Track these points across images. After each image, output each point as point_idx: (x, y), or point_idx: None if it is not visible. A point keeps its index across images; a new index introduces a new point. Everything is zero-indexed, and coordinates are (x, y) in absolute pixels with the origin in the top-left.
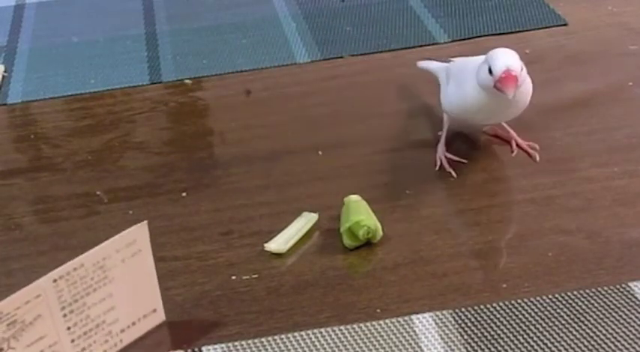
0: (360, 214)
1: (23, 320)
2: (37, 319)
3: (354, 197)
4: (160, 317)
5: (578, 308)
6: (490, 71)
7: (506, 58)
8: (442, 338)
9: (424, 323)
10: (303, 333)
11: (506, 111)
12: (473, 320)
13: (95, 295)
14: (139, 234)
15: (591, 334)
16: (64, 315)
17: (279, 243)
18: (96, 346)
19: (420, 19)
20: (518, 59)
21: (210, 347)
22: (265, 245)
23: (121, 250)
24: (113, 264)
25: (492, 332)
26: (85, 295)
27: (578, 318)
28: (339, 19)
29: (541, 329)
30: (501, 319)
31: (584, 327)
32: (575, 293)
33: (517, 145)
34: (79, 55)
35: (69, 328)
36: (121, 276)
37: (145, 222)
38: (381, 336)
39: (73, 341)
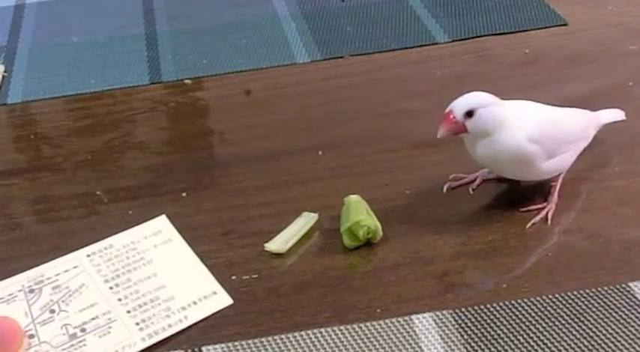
0: (360, 214)
1: (68, 287)
2: (82, 287)
3: (354, 197)
4: (225, 299)
5: (578, 308)
6: None
7: (460, 100)
8: (442, 338)
9: (424, 323)
10: (303, 333)
11: (494, 162)
12: (473, 320)
13: (137, 273)
14: (161, 225)
15: (591, 334)
16: (110, 288)
17: (279, 243)
18: (157, 319)
19: (420, 19)
20: (474, 104)
21: (210, 347)
22: (265, 245)
23: (148, 237)
24: (145, 247)
25: (492, 332)
26: (127, 272)
27: (578, 318)
28: (339, 19)
29: (541, 329)
30: (501, 319)
31: (584, 327)
32: (575, 293)
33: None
34: (79, 55)
35: (120, 300)
36: (160, 259)
37: (164, 215)
38: (381, 336)
39: (128, 312)
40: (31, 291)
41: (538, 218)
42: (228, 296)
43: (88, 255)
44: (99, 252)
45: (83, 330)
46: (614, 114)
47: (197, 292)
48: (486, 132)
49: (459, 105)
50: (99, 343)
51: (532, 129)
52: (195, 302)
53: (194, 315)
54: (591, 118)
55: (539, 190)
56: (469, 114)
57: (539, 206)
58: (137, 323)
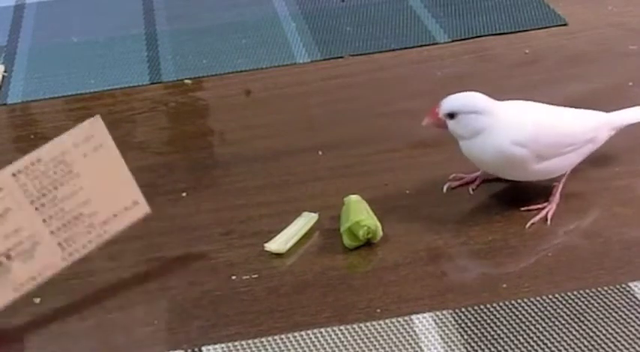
0: (360, 214)
1: None
2: (7, 212)
3: (354, 197)
4: (144, 209)
5: (578, 308)
6: None
7: (449, 99)
8: (442, 338)
9: (424, 323)
10: (303, 333)
11: (480, 163)
12: (473, 320)
13: (64, 189)
14: (95, 129)
15: (591, 334)
16: (36, 209)
17: (279, 243)
18: (78, 237)
19: (420, 19)
20: (458, 108)
21: (210, 347)
22: (265, 245)
23: (79, 144)
24: (74, 158)
25: (492, 332)
26: (53, 189)
27: (578, 318)
28: (339, 19)
29: (541, 329)
30: (501, 319)
31: (584, 327)
32: (575, 293)
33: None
34: (79, 55)
35: (44, 220)
36: (88, 170)
37: (98, 115)
38: (381, 336)
39: (52, 232)
40: None
41: (537, 218)
42: (147, 205)
43: (14, 174)
44: (25, 169)
45: (8, 257)
46: (636, 114)
47: (118, 204)
48: (464, 137)
49: (445, 104)
50: (23, 268)
51: (519, 132)
52: (115, 215)
53: (113, 228)
54: (602, 120)
55: (541, 190)
56: (451, 115)
57: (540, 206)
58: (59, 244)
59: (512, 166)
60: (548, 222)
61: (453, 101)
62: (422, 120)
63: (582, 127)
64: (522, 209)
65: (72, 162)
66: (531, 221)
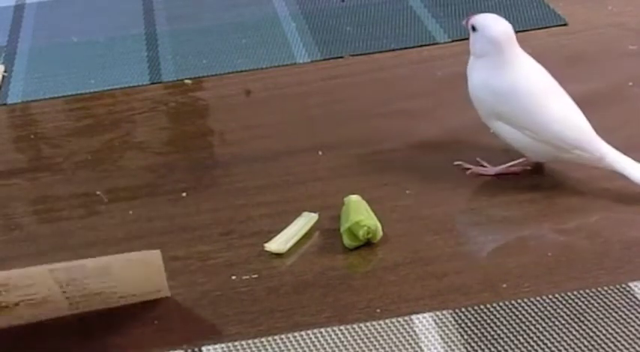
0: (360, 214)
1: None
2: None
3: (354, 197)
4: (165, 294)
5: (578, 308)
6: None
7: (482, 15)
8: (442, 338)
9: (424, 323)
10: (303, 333)
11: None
12: (473, 320)
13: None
14: (153, 257)
15: (591, 334)
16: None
17: (279, 243)
18: (91, 302)
19: (420, 19)
20: (479, 24)
21: (210, 347)
22: (265, 245)
23: (131, 259)
24: (114, 263)
25: (492, 332)
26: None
27: (578, 318)
28: (339, 19)
29: (541, 329)
30: (501, 319)
31: (584, 327)
32: (575, 293)
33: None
34: (79, 55)
35: (64, 293)
36: (124, 270)
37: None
38: (381, 336)
39: (67, 298)
40: None
41: (470, 171)
42: (168, 291)
43: (52, 270)
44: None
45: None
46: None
47: (143, 289)
48: (473, 53)
49: (475, 17)
50: (28, 312)
51: (500, 78)
52: (134, 295)
53: (128, 302)
54: (588, 148)
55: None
56: (473, 28)
57: (485, 166)
58: (70, 304)
59: (478, 107)
60: (467, 172)
61: (483, 18)
62: (422, 120)
63: (561, 128)
64: (477, 159)
65: (110, 265)
66: (469, 171)
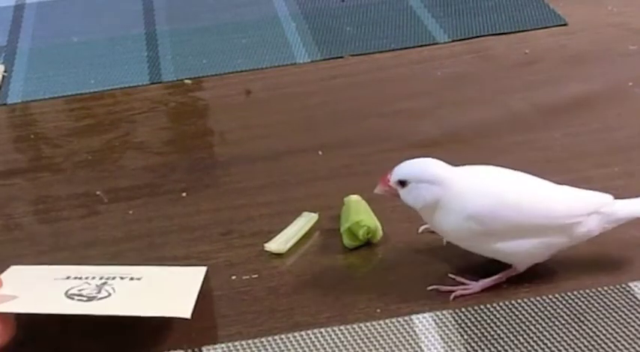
0: (360, 214)
1: None
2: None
3: (354, 197)
4: (185, 314)
5: (578, 308)
6: None
7: (401, 166)
8: (442, 338)
9: (424, 323)
10: (303, 333)
11: (444, 233)
12: (473, 320)
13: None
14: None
15: (591, 334)
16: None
17: (279, 243)
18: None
19: (420, 19)
20: (409, 176)
21: (210, 347)
22: (265, 245)
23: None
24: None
25: (492, 332)
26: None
27: (578, 318)
28: (339, 19)
29: (541, 329)
30: (501, 319)
31: (584, 327)
32: (575, 293)
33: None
34: (79, 55)
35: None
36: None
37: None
38: (381, 336)
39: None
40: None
41: (454, 295)
42: (189, 313)
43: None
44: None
45: None
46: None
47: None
48: (416, 207)
49: (396, 171)
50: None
51: (475, 205)
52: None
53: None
54: (592, 208)
55: None
56: (402, 183)
57: (466, 282)
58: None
59: (469, 243)
60: (451, 296)
61: (403, 168)
62: (422, 120)
63: (558, 211)
64: (450, 275)
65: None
66: (453, 294)
